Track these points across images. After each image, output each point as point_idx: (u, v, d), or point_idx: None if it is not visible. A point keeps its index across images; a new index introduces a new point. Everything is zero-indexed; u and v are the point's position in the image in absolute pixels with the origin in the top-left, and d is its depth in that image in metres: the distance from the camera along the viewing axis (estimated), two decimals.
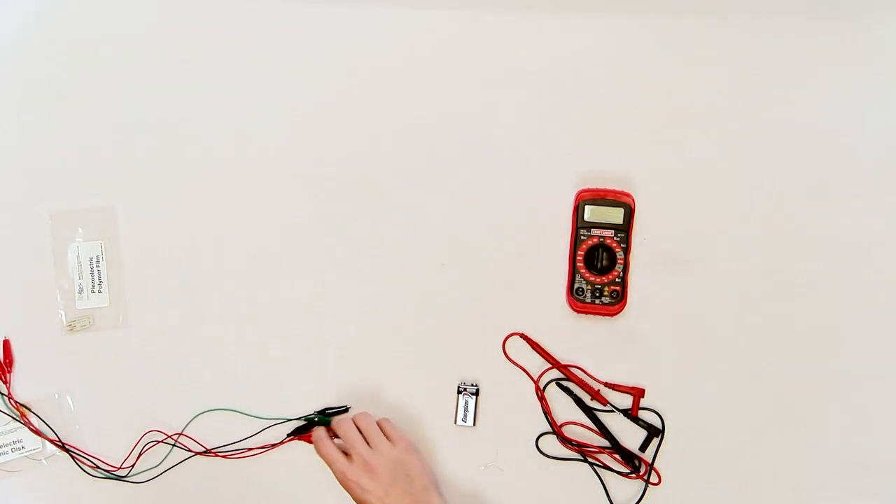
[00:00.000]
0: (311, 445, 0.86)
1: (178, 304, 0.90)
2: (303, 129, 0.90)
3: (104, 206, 0.91)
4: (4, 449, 0.89)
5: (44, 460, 0.90)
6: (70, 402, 0.90)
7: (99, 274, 0.90)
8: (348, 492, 0.81)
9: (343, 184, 0.90)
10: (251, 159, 0.90)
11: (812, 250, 0.85)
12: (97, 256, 0.90)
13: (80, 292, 0.90)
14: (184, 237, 0.91)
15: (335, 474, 0.82)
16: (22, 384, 0.90)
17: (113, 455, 0.89)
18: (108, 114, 0.91)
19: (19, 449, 0.89)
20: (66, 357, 0.90)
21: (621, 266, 0.85)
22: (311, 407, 0.89)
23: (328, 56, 0.90)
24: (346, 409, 0.88)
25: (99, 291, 0.90)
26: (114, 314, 0.90)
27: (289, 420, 0.89)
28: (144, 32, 0.91)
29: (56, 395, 0.90)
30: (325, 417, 0.88)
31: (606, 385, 0.87)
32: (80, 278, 0.90)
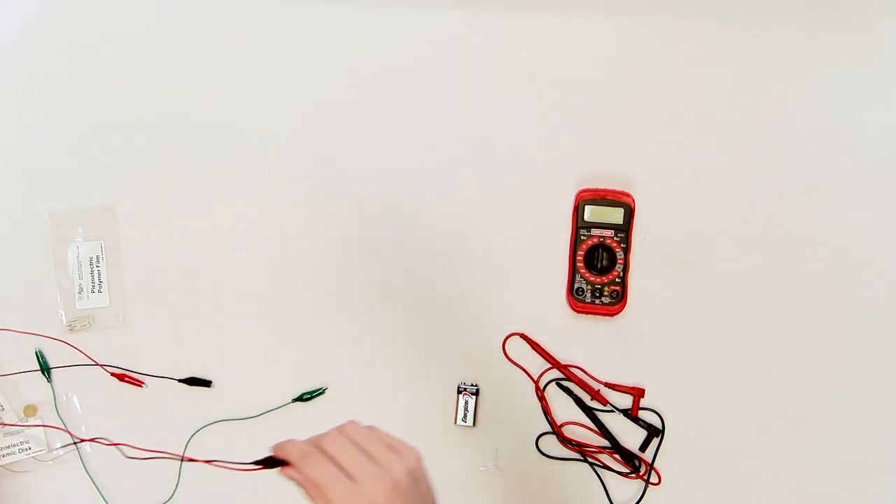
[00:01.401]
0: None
1: (178, 305, 0.90)
2: (303, 130, 0.90)
3: (104, 206, 0.91)
4: (11, 449, 0.89)
5: (50, 461, 0.90)
6: (76, 401, 0.90)
7: (99, 274, 0.90)
8: None
9: (343, 184, 0.90)
10: (251, 159, 0.90)
11: (812, 250, 0.85)
12: (97, 256, 0.90)
13: (80, 292, 0.90)
14: (184, 237, 0.91)
15: None
16: (23, 384, 0.90)
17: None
18: (108, 114, 0.91)
19: (26, 450, 0.89)
20: (66, 357, 0.90)
21: (621, 266, 0.85)
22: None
23: (328, 56, 0.90)
24: (322, 392, 0.88)
25: (99, 291, 0.90)
26: (114, 314, 0.90)
27: (270, 411, 0.89)
28: (144, 32, 0.91)
29: (63, 396, 0.90)
30: (306, 397, 0.88)
31: (606, 385, 0.87)
32: (80, 278, 0.90)
